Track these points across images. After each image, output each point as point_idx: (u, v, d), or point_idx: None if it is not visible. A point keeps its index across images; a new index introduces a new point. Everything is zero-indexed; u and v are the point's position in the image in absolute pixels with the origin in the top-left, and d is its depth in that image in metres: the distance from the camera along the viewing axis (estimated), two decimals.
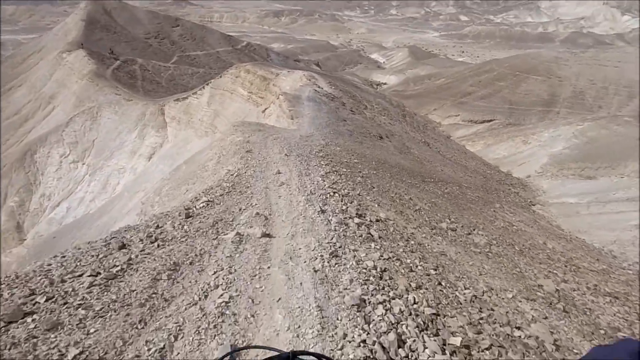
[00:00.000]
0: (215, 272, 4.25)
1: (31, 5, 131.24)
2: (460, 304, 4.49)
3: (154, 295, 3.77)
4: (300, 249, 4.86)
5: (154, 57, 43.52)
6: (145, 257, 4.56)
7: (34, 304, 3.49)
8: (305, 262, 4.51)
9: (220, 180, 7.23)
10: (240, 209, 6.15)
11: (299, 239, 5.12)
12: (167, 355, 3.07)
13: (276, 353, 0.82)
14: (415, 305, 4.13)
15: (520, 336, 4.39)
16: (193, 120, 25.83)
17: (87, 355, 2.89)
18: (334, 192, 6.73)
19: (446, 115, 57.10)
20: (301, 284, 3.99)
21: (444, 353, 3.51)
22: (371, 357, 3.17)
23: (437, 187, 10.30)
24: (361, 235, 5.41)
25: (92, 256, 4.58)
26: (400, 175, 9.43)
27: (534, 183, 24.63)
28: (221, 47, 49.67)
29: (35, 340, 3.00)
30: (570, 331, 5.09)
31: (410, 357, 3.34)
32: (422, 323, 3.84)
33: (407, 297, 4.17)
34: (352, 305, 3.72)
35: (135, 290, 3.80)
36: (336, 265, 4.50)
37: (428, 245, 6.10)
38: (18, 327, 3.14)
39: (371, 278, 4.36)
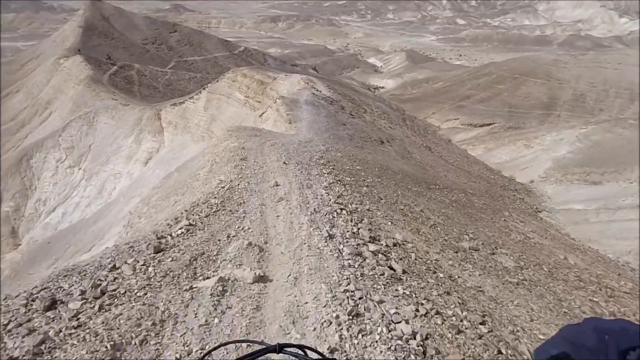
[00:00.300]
0: None
1: (31, 12, 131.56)
2: None
3: None
4: (306, 303, 3.77)
5: (151, 62, 43.28)
6: (72, 334, 3.16)
7: None
8: (314, 329, 3.40)
9: (209, 195, 6.52)
10: (228, 236, 5.15)
11: (303, 284, 4.07)
12: None
13: (263, 346, 0.80)
14: None
15: None
16: (189, 125, 25.47)
17: None
18: (341, 209, 5.97)
19: (445, 119, 56.89)
20: None
21: None
22: None
23: (444, 194, 9.90)
24: (383, 274, 4.42)
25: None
26: (405, 182, 9.02)
27: (538, 188, 24.22)
28: (219, 52, 49.50)
29: None
30: None
31: None
32: None
33: None
34: None
35: None
36: (360, 336, 3.33)
37: (459, 277, 5.37)
38: None
39: (412, 356, 3.24)
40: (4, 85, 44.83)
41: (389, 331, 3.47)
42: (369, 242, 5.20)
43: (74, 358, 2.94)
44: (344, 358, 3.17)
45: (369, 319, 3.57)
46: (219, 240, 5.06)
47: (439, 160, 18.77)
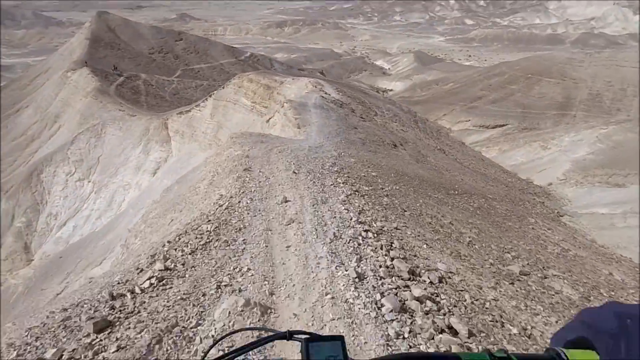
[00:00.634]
0: None
1: (41, 28, 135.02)
2: None
3: None
4: None
5: (157, 71, 43.36)
6: None
7: None
8: None
9: (202, 217, 5.56)
10: (218, 286, 3.84)
11: None
12: None
13: (273, 333, 0.82)
14: None
15: None
16: (196, 133, 25.05)
17: None
18: (366, 230, 4.96)
19: (456, 120, 55.61)
20: None
21: None
22: None
23: (464, 200, 9.05)
24: (443, 341, 3.24)
25: None
26: (423, 188, 8.21)
27: (557, 191, 23.03)
28: (225, 59, 49.41)
29: None
30: None
31: None
32: None
33: None
34: None
35: None
36: None
37: (534, 328, 4.20)
38: None
39: None
40: (15, 101, 45.46)
41: None
42: (409, 280, 4.12)
43: None
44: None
45: None
46: (204, 295, 3.68)
47: (454, 163, 17.86)
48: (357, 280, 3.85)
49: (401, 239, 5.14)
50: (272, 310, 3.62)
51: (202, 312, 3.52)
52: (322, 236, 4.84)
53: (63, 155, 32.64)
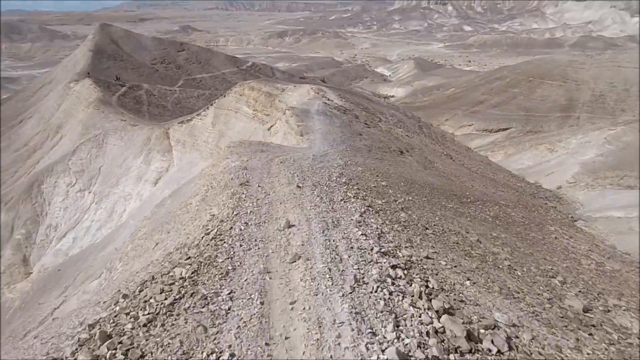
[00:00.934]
0: None
1: (47, 41, 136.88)
2: None
3: None
4: None
5: (160, 82, 43.43)
6: None
7: None
8: None
9: (182, 251, 4.57)
10: None
11: None
12: None
13: None
14: None
15: None
16: (198, 143, 24.77)
17: None
18: (394, 266, 3.97)
19: (459, 125, 55.33)
20: None
21: None
22: None
23: (479, 209, 8.60)
24: None
25: None
26: (436, 197, 7.77)
27: (567, 195, 22.49)
28: (226, 68, 49.53)
29: None
30: None
31: None
32: None
33: None
34: None
35: None
36: None
37: None
38: None
39: None
40: (18, 112, 45.61)
41: None
42: (470, 352, 3.06)
43: None
44: None
45: None
46: None
47: (461, 169, 17.44)
48: (400, 355, 2.74)
49: (436, 274, 4.28)
50: None
51: None
52: (339, 281, 3.74)
53: (64, 165, 32.43)
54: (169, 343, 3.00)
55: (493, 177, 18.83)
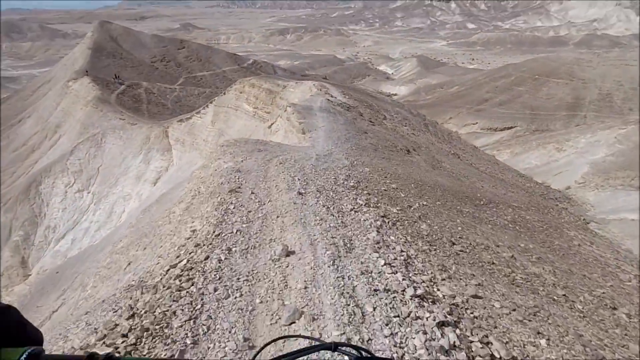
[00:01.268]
0: None
1: (47, 40, 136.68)
2: None
3: None
4: None
5: (160, 80, 42.87)
6: None
7: None
8: None
9: (135, 296, 3.46)
10: None
11: None
12: None
13: (319, 343, 0.83)
14: None
15: None
16: (197, 141, 24.19)
17: None
18: (441, 323, 2.94)
19: (463, 123, 54.57)
20: None
21: None
22: None
23: (495, 214, 7.97)
24: None
25: None
26: (450, 201, 7.14)
27: (577, 196, 21.82)
28: (227, 66, 48.91)
29: None
30: None
31: None
32: None
33: None
34: None
35: None
36: None
37: None
38: None
39: None
40: (17, 111, 45.18)
41: None
42: None
43: None
44: None
45: None
46: None
47: (470, 168, 16.79)
48: None
49: (495, 326, 3.22)
50: None
51: None
52: None
53: (62, 166, 31.95)
54: None
55: (502, 177, 18.18)
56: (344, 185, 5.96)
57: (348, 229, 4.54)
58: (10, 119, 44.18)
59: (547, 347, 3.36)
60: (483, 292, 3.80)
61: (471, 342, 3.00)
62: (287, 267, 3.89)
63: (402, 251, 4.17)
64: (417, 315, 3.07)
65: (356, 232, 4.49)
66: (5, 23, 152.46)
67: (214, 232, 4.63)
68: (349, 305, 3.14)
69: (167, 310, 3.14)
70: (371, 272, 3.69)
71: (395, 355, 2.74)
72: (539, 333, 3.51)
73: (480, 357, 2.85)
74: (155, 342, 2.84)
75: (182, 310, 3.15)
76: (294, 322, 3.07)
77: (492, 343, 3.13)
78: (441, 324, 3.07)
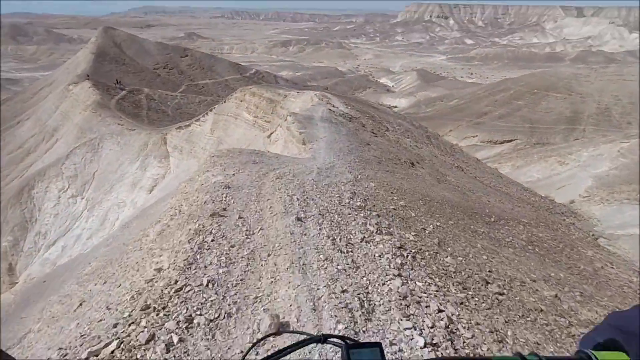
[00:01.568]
0: None
1: (52, 44, 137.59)
2: None
3: None
4: None
5: (162, 86, 42.75)
6: None
7: None
8: None
9: None
10: None
11: None
12: None
13: (307, 336, 0.85)
14: None
15: None
16: (195, 149, 23.79)
17: None
18: None
19: (463, 136, 54.63)
20: None
21: None
22: None
23: (510, 233, 7.54)
24: None
25: None
26: (462, 220, 6.70)
27: (582, 210, 21.46)
28: (230, 75, 48.95)
29: None
30: None
31: None
32: None
33: None
34: None
35: None
36: None
37: None
38: None
39: None
40: (16, 113, 44.83)
41: None
42: None
43: None
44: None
45: None
46: None
47: (474, 182, 16.42)
48: None
49: None
50: None
51: None
52: None
53: (57, 170, 31.42)
54: None
55: (506, 191, 17.81)
56: (349, 206, 5.22)
57: (362, 273, 3.54)
58: (9, 121, 43.80)
59: None
60: None
61: None
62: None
63: (439, 310, 3.17)
64: None
65: (373, 278, 3.50)
66: (12, 26, 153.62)
67: (176, 282, 3.43)
68: None
69: None
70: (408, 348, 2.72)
71: None
72: None
73: None
74: None
75: None
76: None
77: None
78: None
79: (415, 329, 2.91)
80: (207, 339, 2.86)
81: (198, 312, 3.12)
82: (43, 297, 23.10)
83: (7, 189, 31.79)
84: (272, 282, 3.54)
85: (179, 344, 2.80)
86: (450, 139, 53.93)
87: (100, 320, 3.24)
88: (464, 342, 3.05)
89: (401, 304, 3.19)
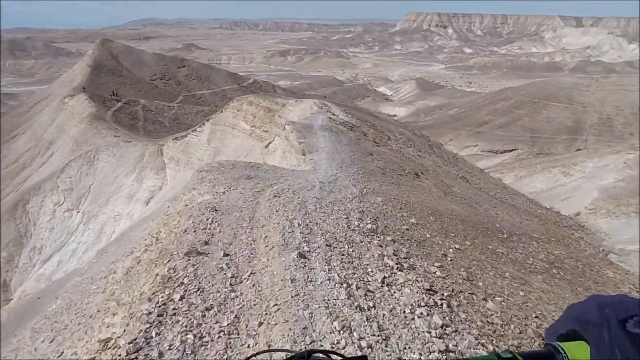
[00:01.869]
0: None
1: (50, 58, 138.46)
2: None
3: None
4: None
5: (159, 97, 42.45)
6: None
7: None
8: None
9: None
10: None
11: None
12: None
13: (292, 354, 0.83)
14: None
15: None
16: (192, 160, 23.24)
17: None
18: None
19: (463, 145, 54.22)
20: None
21: None
22: None
23: (524, 251, 6.91)
24: None
25: None
26: (476, 238, 6.08)
27: (589, 223, 20.80)
28: (227, 85, 48.76)
29: None
30: None
31: None
32: None
33: None
34: None
35: None
36: None
37: None
38: None
39: None
40: (12, 127, 44.43)
41: None
42: None
43: None
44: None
45: None
46: None
47: (480, 193, 15.81)
48: None
49: None
50: None
51: None
52: None
53: (52, 184, 30.81)
54: None
55: (512, 203, 17.18)
56: (360, 231, 4.37)
57: (395, 347, 2.48)
58: (4, 135, 43.37)
59: None
60: None
61: None
62: None
63: None
64: None
65: (412, 351, 2.47)
66: (11, 41, 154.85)
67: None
68: None
69: None
70: None
71: None
72: None
73: None
74: None
75: None
76: None
77: None
78: None
79: None
80: None
81: None
82: (37, 314, 22.14)
83: (2, 204, 31.16)
84: None
85: None
86: (450, 148, 53.47)
87: None
88: None
89: None
